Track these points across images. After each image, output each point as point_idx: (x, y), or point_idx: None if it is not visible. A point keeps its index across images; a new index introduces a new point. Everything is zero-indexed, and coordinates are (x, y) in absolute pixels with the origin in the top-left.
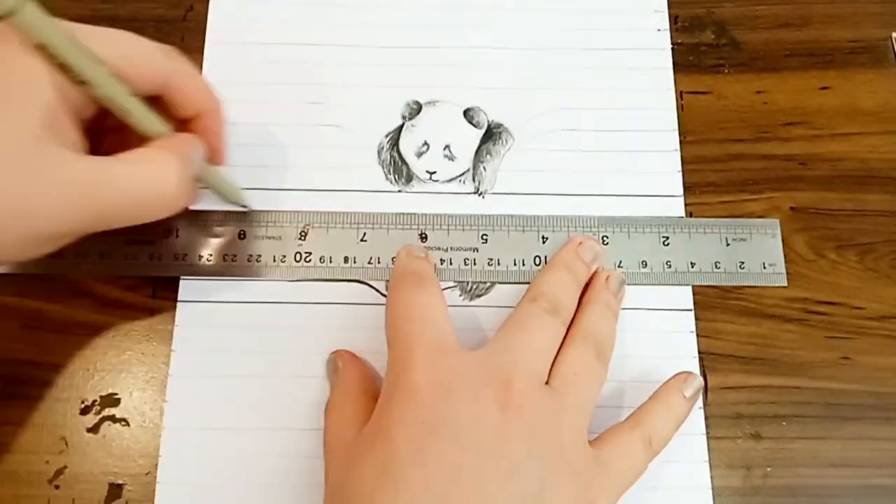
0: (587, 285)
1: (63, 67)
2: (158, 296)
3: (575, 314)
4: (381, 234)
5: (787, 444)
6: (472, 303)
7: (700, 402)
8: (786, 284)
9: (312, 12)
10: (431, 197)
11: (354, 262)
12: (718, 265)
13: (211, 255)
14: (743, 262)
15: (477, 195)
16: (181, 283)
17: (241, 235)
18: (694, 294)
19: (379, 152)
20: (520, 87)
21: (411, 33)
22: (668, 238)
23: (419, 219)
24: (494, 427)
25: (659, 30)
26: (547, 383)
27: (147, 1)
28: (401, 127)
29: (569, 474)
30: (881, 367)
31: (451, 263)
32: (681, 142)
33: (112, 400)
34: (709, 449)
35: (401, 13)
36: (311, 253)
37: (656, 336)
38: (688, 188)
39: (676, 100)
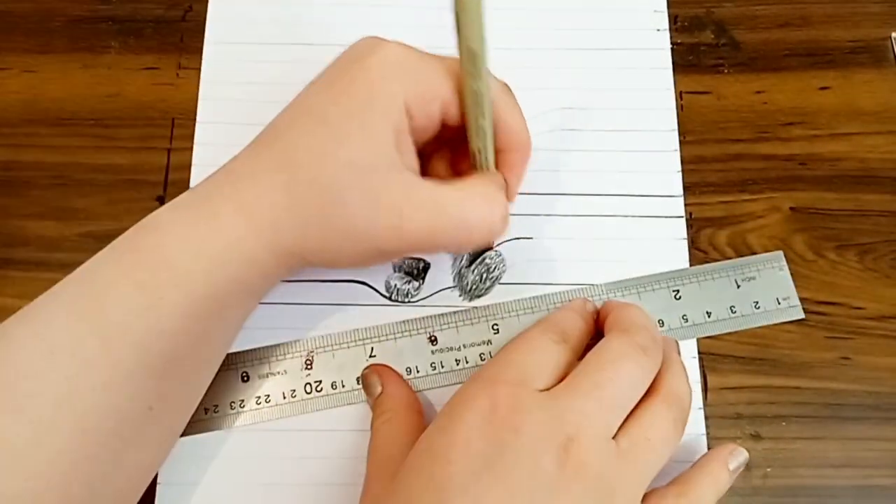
0: None
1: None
2: None
3: (657, 375)
4: (389, 345)
5: (787, 445)
6: (473, 303)
7: (700, 403)
8: (803, 317)
9: (311, 12)
10: None
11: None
12: (734, 309)
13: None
14: (757, 302)
15: None
16: None
17: (245, 378)
18: None
19: None
20: (519, 87)
21: (410, 33)
22: (678, 291)
23: (426, 322)
24: (550, 482)
25: (658, 30)
26: (616, 436)
27: (146, 1)
28: None
29: None
30: (881, 367)
31: (466, 362)
32: (680, 142)
33: None
34: (709, 449)
35: (399, 13)
36: (321, 381)
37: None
38: (687, 188)
39: (676, 100)
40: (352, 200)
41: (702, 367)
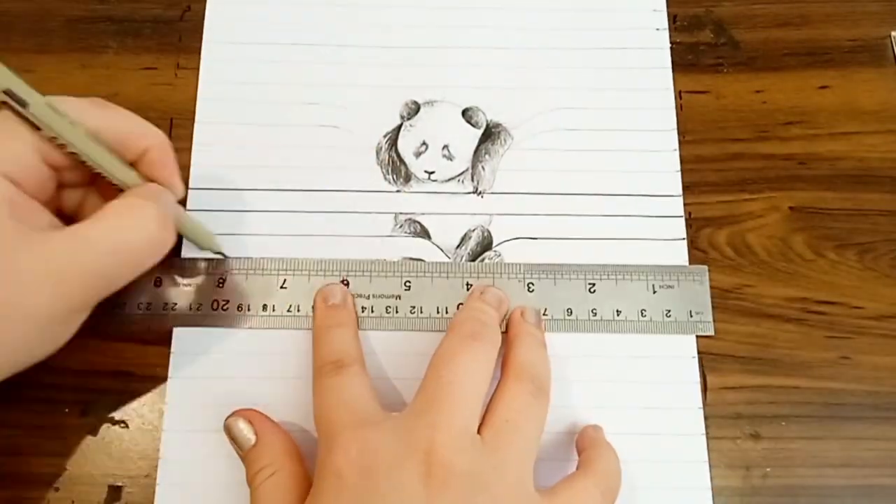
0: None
1: (40, 131)
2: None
3: (507, 353)
4: (301, 280)
5: (787, 444)
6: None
7: (699, 402)
8: (713, 333)
9: (310, 12)
10: (430, 196)
11: (273, 311)
12: (644, 313)
13: (201, 304)
14: (669, 311)
15: (476, 195)
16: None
17: (157, 283)
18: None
19: (377, 152)
20: (518, 87)
21: (410, 33)
22: (594, 285)
23: (341, 265)
24: (422, 499)
25: (658, 29)
26: (480, 428)
27: (144, 1)
28: (399, 127)
29: None
30: (880, 366)
31: (372, 311)
32: (680, 141)
33: (111, 402)
34: (708, 449)
35: (399, 13)
36: (227, 301)
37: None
38: (687, 188)
39: (675, 99)
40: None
41: (701, 366)
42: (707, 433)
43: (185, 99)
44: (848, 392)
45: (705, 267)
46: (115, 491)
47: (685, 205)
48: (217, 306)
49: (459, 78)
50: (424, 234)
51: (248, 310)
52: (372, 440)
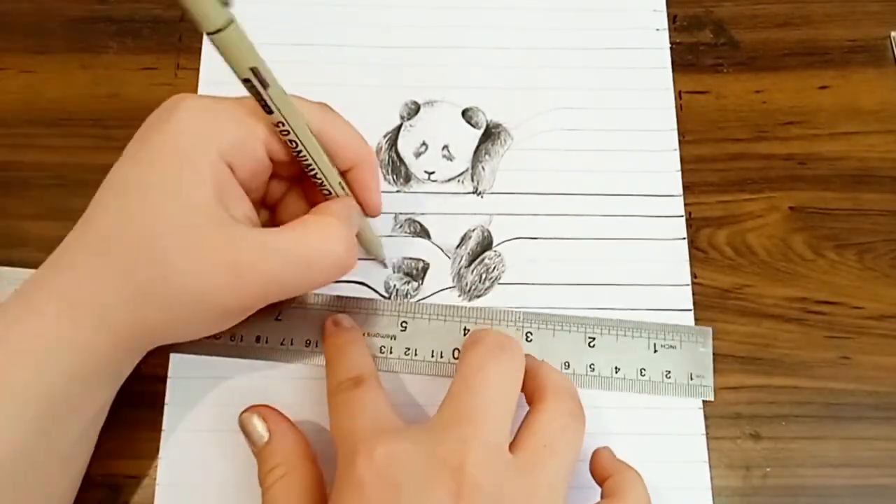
0: None
1: (263, 102)
2: None
3: (532, 377)
4: (299, 313)
5: (787, 444)
6: (472, 303)
7: (699, 402)
8: (712, 399)
9: (309, 12)
10: (430, 197)
11: (266, 343)
12: (643, 372)
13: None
14: (669, 372)
15: (475, 195)
16: None
17: None
18: (693, 294)
19: (377, 152)
20: (518, 87)
21: (409, 33)
22: (594, 339)
23: (339, 300)
24: None
25: (657, 29)
26: (513, 448)
27: (144, 1)
28: (399, 127)
29: None
30: (880, 366)
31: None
32: (680, 141)
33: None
34: (708, 449)
35: (399, 13)
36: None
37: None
38: (687, 188)
39: (675, 99)
40: (178, 264)
41: None
42: (707, 433)
43: None
44: (848, 392)
45: (710, 329)
46: (114, 491)
47: (685, 205)
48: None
49: (459, 78)
50: (424, 233)
51: (241, 341)
52: (397, 451)
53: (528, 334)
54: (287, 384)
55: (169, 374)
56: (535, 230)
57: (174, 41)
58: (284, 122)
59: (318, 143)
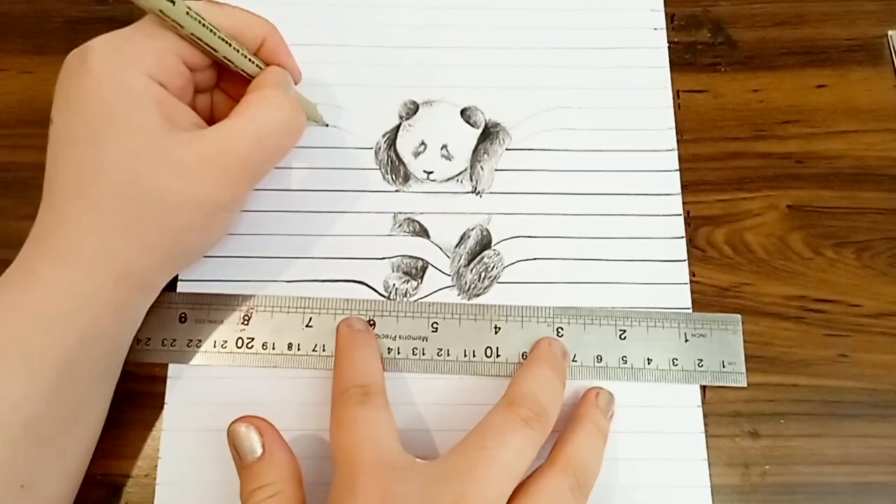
0: None
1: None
2: None
3: (559, 442)
4: (327, 319)
5: (785, 442)
6: (471, 301)
7: (698, 401)
8: (745, 385)
9: (309, 12)
10: (429, 196)
11: (298, 350)
12: (676, 362)
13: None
14: (701, 360)
15: (474, 194)
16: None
17: (182, 318)
18: (692, 293)
19: (376, 152)
20: (517, 87)
21: (408, 33)
22: (625, 332)
23: (368, 304)
24: None
25: (655, 28)
26: None
27: None
28: (398, 127)
29: None
30: (879, 364)
31: (398, 353)
32: (678, 140)
33: (111, 402)
34: (707, 447)
35: (398, 13)
36: (253, 339)
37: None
38: (685, 186)
39: (673, 98)
40: (157, 182)
41: None
42: (706, 431)
43: None
44: (846, 390)
45: (738, 316)
46: (114, 491)
47: (683, 203)
48: (242, 344)
49: (458, 78)
50: (423, 233)
51: (273, 348)
52: (396, 490)
53: (560, 329)
54: (287, 384)
55: (169, 373)
56: (533, 229)
57: None
58: (196, 33)
59: (225, 35)
